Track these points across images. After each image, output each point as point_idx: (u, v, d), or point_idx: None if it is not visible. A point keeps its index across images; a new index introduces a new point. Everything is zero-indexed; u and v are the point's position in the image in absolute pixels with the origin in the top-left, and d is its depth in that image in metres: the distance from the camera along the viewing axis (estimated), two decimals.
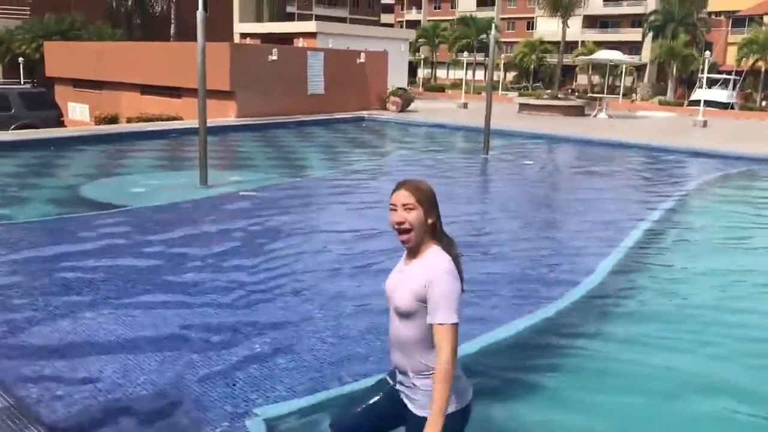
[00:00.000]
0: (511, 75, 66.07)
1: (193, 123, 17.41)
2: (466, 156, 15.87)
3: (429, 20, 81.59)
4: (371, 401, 2.89)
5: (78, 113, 24.67)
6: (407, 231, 2.61)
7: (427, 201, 2.62)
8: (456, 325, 2.50)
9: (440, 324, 2.49)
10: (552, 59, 61.46)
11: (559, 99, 27.56)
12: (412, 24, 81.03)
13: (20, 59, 30.09)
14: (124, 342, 4.65)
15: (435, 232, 2.65)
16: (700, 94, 41.80)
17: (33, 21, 34.06)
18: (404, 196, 2.61)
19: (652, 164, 15.31)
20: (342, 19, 71.78)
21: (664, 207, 10.00)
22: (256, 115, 19.68)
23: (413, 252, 2.67)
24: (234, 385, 4.11)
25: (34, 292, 5.58)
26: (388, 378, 2.89)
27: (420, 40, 61.30)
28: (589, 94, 29.42)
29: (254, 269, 6.43)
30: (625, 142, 17.65)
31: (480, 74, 59.93)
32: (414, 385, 2.64)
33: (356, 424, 2.87)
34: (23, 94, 18.78)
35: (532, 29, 73.00)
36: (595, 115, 26.16)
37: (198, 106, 10.24)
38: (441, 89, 49.01)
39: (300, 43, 30.63)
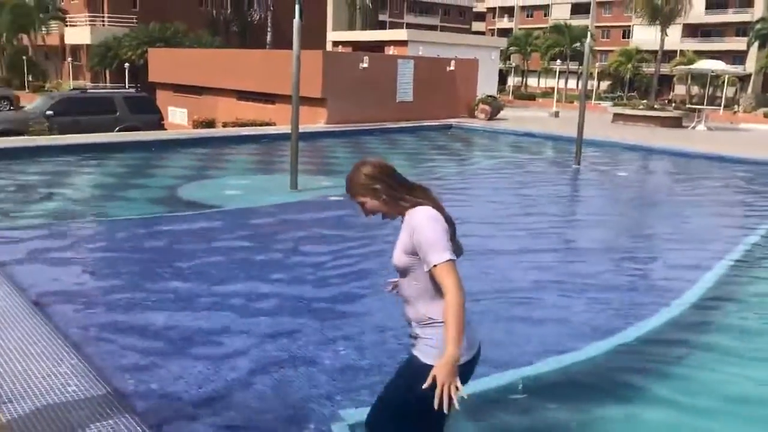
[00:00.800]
0: (604, 84, 64.39)
1: (285, 128, 17.81)
2: (556, 166, 15.55)
3: (521, 28, 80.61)
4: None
5: (177, 117, 25.73)
6: (383, 217, 2.87)
7: (367, 187, 2.78)
8: (451, 261, 2.59)
9: (435, 266, 2.59)
10: (648, 69, 59.53)
11: (656, 109, 26.59)
12: (504, 32, 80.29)
13: (126, 65, 31.67)
14: (217, 337, 4.80)
15: (399, 197, 2.78)
16: None
17: (139, 29, 35.85)
18: (353, 197, 2.84)
19: (756, 180, 14.51)
20: (433, 27, 72.03)
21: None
22: (345, 121, 19.95)
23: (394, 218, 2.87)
24: (319, 385, 4.15)
25: (134, 286, 5.84)
26: None
27: (511, 48, 60.61)
28: (687, 105, 28.18)
29: (343, 270, 6.50)
30: (726, 155, 16.82)
31: (572, 83, 58.71)
32: (418, 335, 2.76)
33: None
34: (128, 98, 19.74)
35: (628, 38, 70.98)
36: (693, 127, 25.08)
37: (291, 112, 10.47)
38: (531, 97, 48.28)
39: (391, 50, 30.88)
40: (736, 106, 49.60)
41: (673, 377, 4.62)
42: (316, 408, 3.88)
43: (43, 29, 42.22)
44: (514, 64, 61.00)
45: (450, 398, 2.45)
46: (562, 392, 4.31)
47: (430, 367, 2.55)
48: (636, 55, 57.63)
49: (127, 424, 3.32)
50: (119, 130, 17.98)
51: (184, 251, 7.08)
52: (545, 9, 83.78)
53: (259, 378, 4.21)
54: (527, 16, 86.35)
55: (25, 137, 15.36)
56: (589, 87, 63.44)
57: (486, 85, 28.91)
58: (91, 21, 41.09)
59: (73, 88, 26.66)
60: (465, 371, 2.63)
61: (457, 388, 2.47)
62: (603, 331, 5.26)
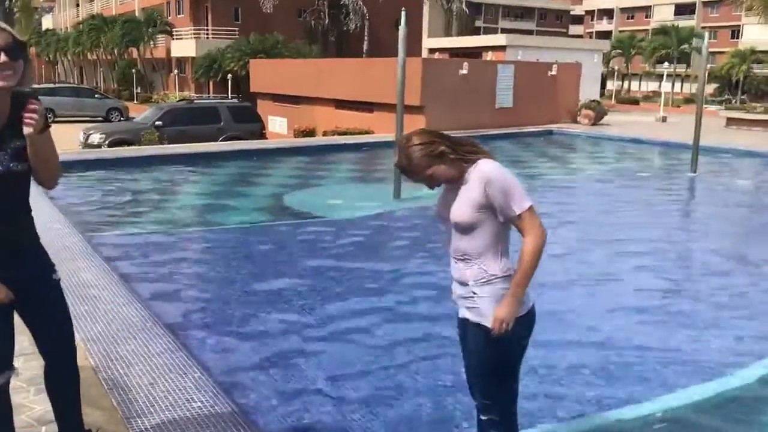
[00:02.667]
0: (710, 87, 61.27)
1: (385, 136, 17.83)
2: (670, 174, 14.72)
3: (621, 31, 78.04)
4: (462, 350, 2.91)
5: (278, 126, 26.23)
6: (448, 181, 2.70)
7: (431, 155, 2.62)
8: (532, 207, 2.58)
9: (518, 215, 2.57)
10: (760, 70, 56.23)
11: None
12: (603, 35, 77.88)
13: (229, 76, 32.64)
14: (332, 351, 4.67)
15: (463, 153, 2.66)
16: None
17: (241, 41, 36.94)
18: (417, 180, 2.70)
19: None
20: (529, 32, 70.72)
21: None
22: (444, 128, 19.35)
23: (455, 176, 2.70)
24: (443, 407, 3.93)
25: (249, 297, 5.81)
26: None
27: (614, 51, 58.63)
28: None
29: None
30: None
31: (678, 86, 56.19)
32: (474, 293, 2.66)
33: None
34: (231, 108, 20.25)
35: (737, 38, 67.32)
36: None
37: (395, 120, 10.32)
38: (635, 102, 46.51)
39: (488, 56, 30.44)
40: None
41: None
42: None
43: (151, 43, 44.24)
44: (616, 68, 58.91)
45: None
46: None
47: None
48: (751, 56, 54.39)
49: None
50: (223, 140, 18.45)
51: (294, 261, 7.04)
52: (647, 10, 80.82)
53: (377, 394, 4.03)
54: (628, 18, 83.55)
55: (138, 147, 15.98)
56: (695, 90, 60.58)
57: (588, 89, 27.99)
58: (195, 34, 42.73)
59: (180, 99, 27.69)
60: (525, 323, 2.68)
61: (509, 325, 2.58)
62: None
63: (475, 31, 56.16)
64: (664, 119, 26.98)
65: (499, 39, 32.31)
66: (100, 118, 29.94)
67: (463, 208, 2.62)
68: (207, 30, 42.86)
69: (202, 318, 5.23)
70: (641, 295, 6.21)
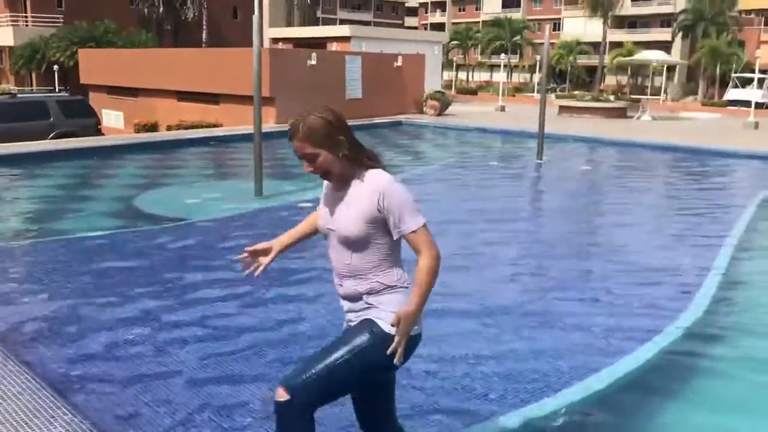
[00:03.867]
0: (537, 77, 65.45)
1: (236, 129, 17.15)
2: (518, 162, 15.36)
3: (453, 23, 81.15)
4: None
5: (113, 121, 24.55)
6: (325, 174, 2.50)
7: (327, 137, 2.44)
8: (426, 224, 2.45)
9: (413, 231, 2.42)
10: (581, 60, 60.67)
11: (601, 101, 26.92)
12: (437, 27, 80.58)
13: (55, 67, 30.07)
14: (202, 373, 4.25)
15: (360, 156, 2.50)
16: (735, 93, 40.87)
17: (67, 29, 34.14)
18: (299, 148, 2.46)
19: (717, 169, 14.66)
20: (366, 23, 71.62)
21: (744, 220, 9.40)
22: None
23: (343, 182, 2.54)
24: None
25: (108, 318, 5.20)
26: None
27: (453, 42, 60.70)
28: (630, 96, 28.66)
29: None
30: (681, 145, 17.00)
31: (507, 77, 59.31)
32: (369, 304, 2.50)
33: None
34: (61, 102, 18.59)
35: (559, 30, 72.21)
36: (638, 117, 25.49)
37: (254, 113, 9.85)
38: (473, 92, 48.49)
39: (333, 47, 30.34)
40: (664, 95, 51.18)
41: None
42: None
43: None
44: (455, 59, 61.15)
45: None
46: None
47: (389, 337, 2.40)
48: (576, 47, 58.52)
49: None
50: (54, 137, 16.90)
51: (157, 271, 6.45)
52: (477, 3, 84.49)
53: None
54: (459, 11, 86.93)
55: None
56: (524, 80, 64.36)
57: (430, 80, 28.69)
58: (12, 21, 38.91)
59: (2, 93, 25.09)
60: (412, 346, 2.51)
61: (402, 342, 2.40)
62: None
63: (316, 22, 55.90)
64: (502, 108, 28.28)
65: (342, 30, 32.25)
66: None
67: (352, 220, 2.44)
68: (26, 17, 39.18)
69: (59, 348, 4.56)
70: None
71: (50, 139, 16.49)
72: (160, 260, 6.89)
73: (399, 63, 23.96)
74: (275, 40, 34.55)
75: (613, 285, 6.31)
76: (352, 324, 2.57)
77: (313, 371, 2.44)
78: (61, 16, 38.73)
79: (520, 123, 20.84)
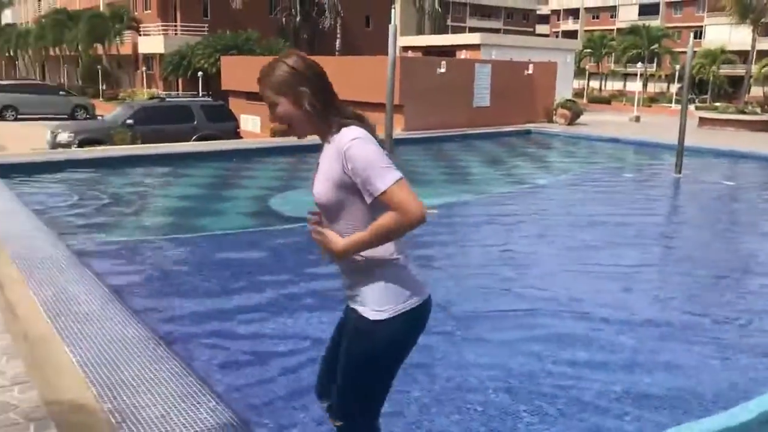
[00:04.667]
0: (674, 87, 62.16)
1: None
2: (654, 175, 14.67)
3: (586, 30, 78.84)
4: (331, 341, 2.66)
5: (250, 125, 25.72)
6: (289, 126, 2.27)
7: (289, 85, 2.22)
8: (401, 180, 2.14)
9: (383, 192, 2.12)
10: (727, 71, 57.10)
11: (746, 113, 25.22)
12: (568, 34, 78.65)
13: (199, 73, 31.94)
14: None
15: (328, 112, 2.24)
16: None
17: (212, 37, 36.22)
18: (263, 92, 2.27)
19: None
20: (496, 30, 71.05)
21: None
22: (421, 128, 19.49)
23: (322, 142, 2.30)
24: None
25: (248, 310, 5.45)
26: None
27: (585, 50, 58.95)
28: None
29: (456, 288, 6.00)
30: None
31: (643, 86, 56.82)
32: (356, 283, 2.33)
33: (328, 371, 2.60)
34: (204, 107, 19.74)
35: (700, 38, 68.40)
36: None
37: (385, 120, 10.05)
38: (606, 101, 46.84)
39: (462, 55, 30.29)
40: None
41: None
42: None
43: (118, 39, 43.18)
44: (587, 67, 59.34)
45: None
46: None
47: (379, 322, 2.28)
48: (720, 56, 55.06)
49: None
50: (197, 139, 17.96)
51: (295, 269, 6.70)
52: (612, 10, 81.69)
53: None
54: (593, 18, 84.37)
55: (111, 147, 15.42)
56: (659, 90, 61.08)
57: (562, 88, 28.03)
58: (164, 30, 41.80)
59: (151, 97, 26.98)
60: (408, 320, 2.33)
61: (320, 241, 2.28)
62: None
63: (445, 30, 56.08)
64: (637, 119, 27.14)
65: (472, 38, 32.13)
66: (65, 116, 29.05)
67: (322, 184, 2.25)
68: (175, 26, 41.96)
69: (205, 336, 4.86)
70: (643, 302, 6.02)
71: (193, 141, 17.53)
72: (295, 258, 7.14)
73: (530, 71, 23.59)
74: (405, 48, 34.99)
75: (765, 307, 5.90)
76: (351, 305, 2.44)
77: (348, 398, 2.45)
78: (207, 25, 41.17)
79: (656, 134, 19.93)
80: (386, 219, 2.15)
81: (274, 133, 20.39)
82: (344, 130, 2.21)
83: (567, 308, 5.67)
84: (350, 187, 2.20)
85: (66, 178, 11.45)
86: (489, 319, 5.44)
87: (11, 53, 60.92)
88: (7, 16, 74.53)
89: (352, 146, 2.16)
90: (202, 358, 4.44)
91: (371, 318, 2.31)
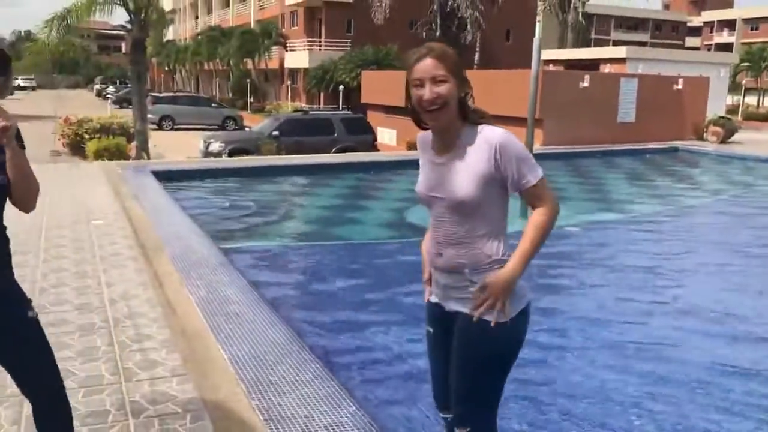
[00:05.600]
0: None
1: None
2: None
3: (743, 42, 73.82)
4: (436, 351, 2.60)
5: (386, 138, 26.22)
6: (441, 107, 2.20)
7: (459, 69, 2.24)
8: (544, 178, 2.25)
9: (534, 185, 2.23)
10: None
11: None
12: (722, 47, 73.99)
13: (340, 87, 33.01)
14: None
15: (465, 109, 2.27)
16: None
17: (354, 52, 37.34)
18: (432, 66, 2.19)
19: None
20: (643, 44, 68.15)
21: None
22: (561, 143, 19.01)
23: (446, 139, 2.30)
24: None
25: (388, 320, 5.55)
26: (429, 317, 2.61)
27: (742, 63, 55.18)
28: None
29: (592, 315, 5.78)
30: None
31: None
32: (471, 281, 2.29)
33: (443, 378, 2.53)
34: (344, 120, 20.40)
35: None
36: None
37: (527, 134, 9.87)
38: (765, 118, 43.60)
39: (606, 68, 29.35)
40: None
41: None
42: None
43: (266, 54, 45.54)
44: (743, 82, 55.53)
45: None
46: None
47: (504, 324, 2.26)
48: None
49: None
50: (336, 151, 18.56)
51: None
52: None
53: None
54: (751, 29, 79.02)
55: (259, 157, 16.26)
56: None
57: (713, 105, 26.41)
58: (308, 46, 43.60)
59: (295, 110, 28.20)
60: (525, 318, 2.36)
61: (503, 307, 2.24)
62: None
63: (588, 43, 54.51)
64: None
65: (618, 51, 31.07)
66: (215, 127, 30.96)
67: (466, 182, 2.22)
68: (320, 42, 43.64)
69: (346, 342, 5.01)
70: None
71: (333, 152, 18.13)
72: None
73: (679, 86, 22.40)
74: (547, 62, 34.36)
75: None
76: (451, 306, 2.41)
77: (471, 403, 2.41)
78: (349, 40, 42.50)
79: None
80: (540, 218, 2.26)
81: (410, 146, 20.67)
82: (487, 126, 2.27)
83: (717, 335, 5.32)
84: (495, 181, 2.24)
85: (218, 185, 12.18)
86: (630, 344, 5.20)
87: (170, 67, 65.90)
88: (168, 33, 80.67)
89: (506, 140, 2.22)
90: (342, 363, 4.56)
91: (493, 319, 2.30)
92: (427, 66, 2.22)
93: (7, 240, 2.40)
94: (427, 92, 2.22)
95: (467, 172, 2.22)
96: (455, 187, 2.24)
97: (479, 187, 2.22)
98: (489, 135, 2.22)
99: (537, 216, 2.27)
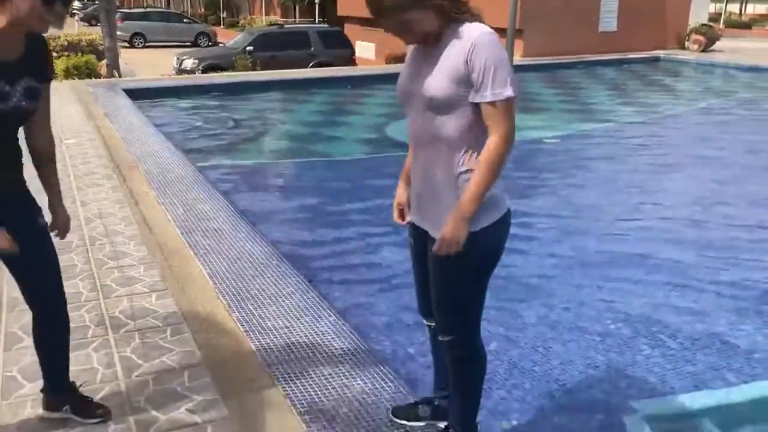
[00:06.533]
0: None
1: None
2: None
3: None
4: (417, 261, 2.48)
5: (365, 52, 25.66)
6: (426, 38, 2.08)
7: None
8: (512, 99, 1.99)
9: (489, 103, 1.99)
10: None
11: None
12: None
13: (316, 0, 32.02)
14: None
15: (448, 7, 2.02)
16: None
17: None
18: (386, 27, 2.06)
19: None
20: None
21: None
22: (542, 54, 18.72)
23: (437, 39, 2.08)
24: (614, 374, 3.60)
25: (366, 234, 5.56)
26: (410, 229, 2.48)
27: None
28: None
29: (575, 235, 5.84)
30: None
31: None
32: (441, 199, 2.16)
33: (425, 287, 2.44)
34: (321, 33, 19.88)
35: None
36: None
37: (506, 45, 9.69)
38: (747, 26, 43.10)
39: None
40: None
41: None
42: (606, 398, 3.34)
43: None
44: None
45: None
46: None
47: (475, 235, 2.10)
48: None
49: (393, 389, 2.99)
50: (313, 65, 18.17)
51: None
52: None
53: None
54: None
55: (233, 73, 15.88)
56: None
57: (696, 13, 25.99)
58: None
59: (270, 24, 27.40)
60: (505, 227, 2.21)
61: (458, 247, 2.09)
62: None
63: None
64: None
65: None
66: (188, 43, 30.11)
67: (438, 78, 2.04)
68: None
69: (323, 256, 5.03)
70: None
71: (310, 67, 17.74)
72: None
73: None
74: None
75: None
76: (419, 220, 2.33)
77: (450, 316, 2.35)
78: None
79: None
80: (486, 153, 2.04)
81: (389, 60, 20.27)
82: (476, 24, 2.04)
83: (692, 242, 5.41)
84: (467, 84, 2.02)
85: (192, 103, 11.92)
86: (606, 253, 5.27)
87: None
88: None
89: (485, 40, 1.99)
90: (322, 276, 4.59)
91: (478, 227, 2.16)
92: (381, 26, 2.10)
93: (20, 151, 2.43)
94: (406, 43, 2.16)
95: (441, 67, 2.05)
96: (431, 82, 2.07)
97: (450, 85, 2.03)
98: (472, 32, 2.01)
99: (485, 150, 2.04)
